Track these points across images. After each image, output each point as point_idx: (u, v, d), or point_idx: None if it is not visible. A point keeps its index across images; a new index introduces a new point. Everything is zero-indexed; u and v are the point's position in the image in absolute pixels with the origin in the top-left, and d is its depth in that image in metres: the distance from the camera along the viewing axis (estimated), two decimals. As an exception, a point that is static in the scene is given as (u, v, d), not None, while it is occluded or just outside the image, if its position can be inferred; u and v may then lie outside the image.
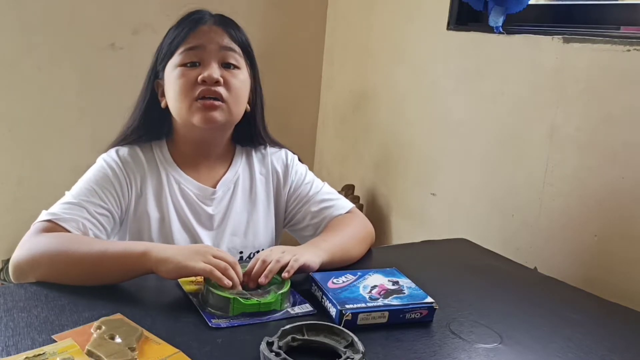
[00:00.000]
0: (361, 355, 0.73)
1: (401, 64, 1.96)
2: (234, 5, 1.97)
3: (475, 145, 1.67)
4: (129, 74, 2.02)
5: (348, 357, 0.73)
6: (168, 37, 1.08)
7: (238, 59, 1.07)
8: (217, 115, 1.03)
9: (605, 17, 1.45)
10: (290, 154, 1.22)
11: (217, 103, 1.03)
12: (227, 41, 1.05)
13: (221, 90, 1.03)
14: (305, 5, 2.35)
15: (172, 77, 1.05)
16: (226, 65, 1.05)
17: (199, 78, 1.02)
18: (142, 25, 2.03)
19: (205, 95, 1.02)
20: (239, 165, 1.15)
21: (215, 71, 1.02)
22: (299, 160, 1.23)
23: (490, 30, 1.58)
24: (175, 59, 1.05)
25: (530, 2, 1.53)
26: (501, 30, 1.56)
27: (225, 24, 1.08)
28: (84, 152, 1.95)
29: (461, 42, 1.71)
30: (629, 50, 1.26)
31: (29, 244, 0.92)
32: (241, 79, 1.07)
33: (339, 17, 2.33)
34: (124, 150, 1.08)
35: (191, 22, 1.05)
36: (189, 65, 1.03)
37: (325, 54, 2.41)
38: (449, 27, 1.75)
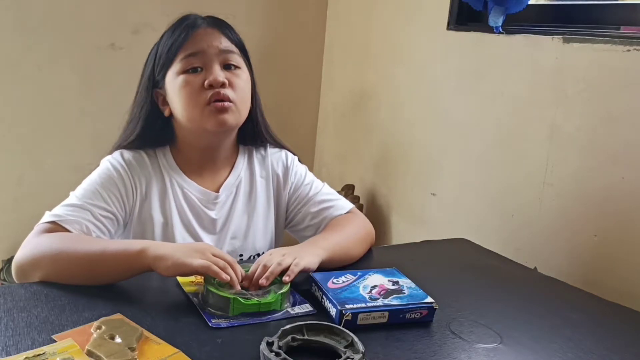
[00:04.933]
0: (361, 355, 0.73)
1: (401, 64, 1.96)
2: (234, 6, 1.97)
3: (475, 145, 1.67)
4: (129, 74, 2.00)
5: (348, 357, 0.73)
6: (163, 44, 1.07)
7: (238, 59, 1.07)
8: (229, 117, 1.04)
9: (605, 17, 1.45)
10: (290, 155, 1.22)
11: (227, 104, 1.03)
12: (225, 43, 1.06)
13: (228, 92, 1.03)
14: (305, 5, 2.35)
15: (175, 85, 1.04)
16: (227, 67, 1.05)
17: (205, 83, 1.02)
18: (142, 25, 2.03)
19: (215, 99, 1.02)
20: (241, 168, 1.16)
21: (219, 74, 1.03)
22: (299, 161, 1.23)
23: (490, 30, 1.58)
24: (176, 66, 1.04)
25: (530, 2, 1.53)
26: (501, 30, 1.56)
27: (219, 25, 1.08)
28: (84, 152, 1.96)
29: (461, 42, 1.71)
30: (629, 50, 1.26)
31: (31, 245, 0.93)
32: (244, 78, 1.08)
33: (339, 17, 2.33)
34: (129, 154, 1.08)
35: (186, 28, 1.04)
36: (190, 71, 1.03)
37: (325, 54, 2.41)
38: (449, 27, 1.75)
